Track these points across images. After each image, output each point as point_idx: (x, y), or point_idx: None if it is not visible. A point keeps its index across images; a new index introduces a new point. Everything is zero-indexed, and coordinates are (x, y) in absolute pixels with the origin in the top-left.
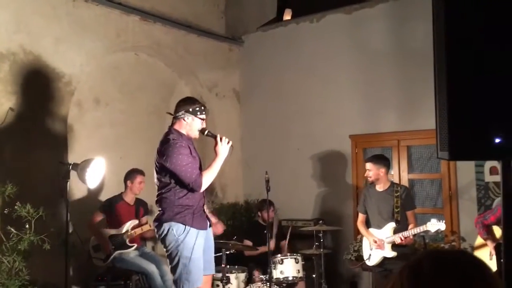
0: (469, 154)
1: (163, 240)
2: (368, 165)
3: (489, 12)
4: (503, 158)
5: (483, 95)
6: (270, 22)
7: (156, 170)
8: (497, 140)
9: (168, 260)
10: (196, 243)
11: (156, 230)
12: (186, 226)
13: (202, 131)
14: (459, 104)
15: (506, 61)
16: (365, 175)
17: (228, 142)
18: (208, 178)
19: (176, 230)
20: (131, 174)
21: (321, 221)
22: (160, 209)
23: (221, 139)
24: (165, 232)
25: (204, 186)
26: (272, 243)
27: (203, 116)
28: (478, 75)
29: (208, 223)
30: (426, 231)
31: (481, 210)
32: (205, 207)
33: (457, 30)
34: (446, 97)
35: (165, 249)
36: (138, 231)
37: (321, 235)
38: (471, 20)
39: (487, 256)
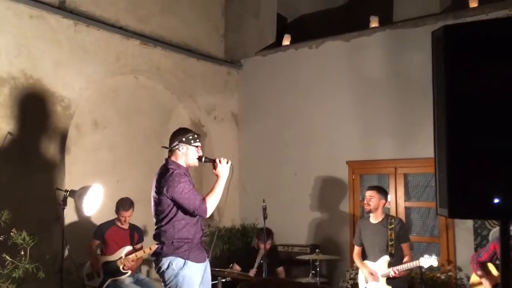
0: (468, 213)
1: (162, 275)
2: (372, 193)
3: (491, 68)
4: (502, 218)
5: (483, 154)
6: (269, 46)
7: (154, 203)
8: (496, 200)
9: None
10: (195, 276)
11: (154, 265)
12: (186, 260)
13: (199, 158)
14: (459, 162)
15: (506, 122)
16: (365, 202)
17: (228, 162)
18: (212, 201)
19: (175, 264)
20: (117, 208)
21: (317, 250)
22: (157, 243)
23: (219, 160)
24: (164, 267)
25: (209, 211)
26: (252, 272)
27: (198, 144)
28: (479, 135)
29: (206, 255)
30: (419, 267)
31: (477, 240)
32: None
33: (458, 87)
34: (445, 154)
35: (163, 284)
36: (132, 257)
37: (317, 263)
38: (473, 78)
39: None
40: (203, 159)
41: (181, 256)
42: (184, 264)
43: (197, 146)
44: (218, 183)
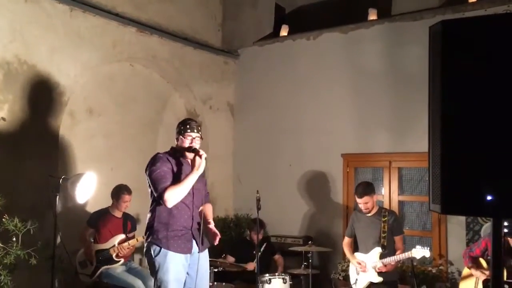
0: (461, 209)
1: (146, 258)
2: (366, 199)
3: (488, 64)
4: (494, 216)
5: (478, 152)
6: (267, 37)
7: None
8: (489, 198)
9: None
10: (171, 266)
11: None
12: (162, 248)
13: (188, 148)
14: (453, 159)
15: (502, 120)
16: (362, 208)
17: (201, 155)
18: (174, 193)
19: (153, 250)
20: (117, 193)
21: (310, 241)
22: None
23: (198, 152)
24: (145, 250)
25: (170, 200)
26: (252, 265)
27: (188, 134)
28: (473, 132)
29: (196, 247)
30: (412, 258)
31: (469, 234)
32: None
33: (454, 83)
34: (439, 151)
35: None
36: (125, 245)
37: (310, 255)
38: (470, 74)
39: (473, 286)
40: (191, 150)
41: (157, 244)
42: (160, 251)
43: (185, 136)
44: (191, 176)
